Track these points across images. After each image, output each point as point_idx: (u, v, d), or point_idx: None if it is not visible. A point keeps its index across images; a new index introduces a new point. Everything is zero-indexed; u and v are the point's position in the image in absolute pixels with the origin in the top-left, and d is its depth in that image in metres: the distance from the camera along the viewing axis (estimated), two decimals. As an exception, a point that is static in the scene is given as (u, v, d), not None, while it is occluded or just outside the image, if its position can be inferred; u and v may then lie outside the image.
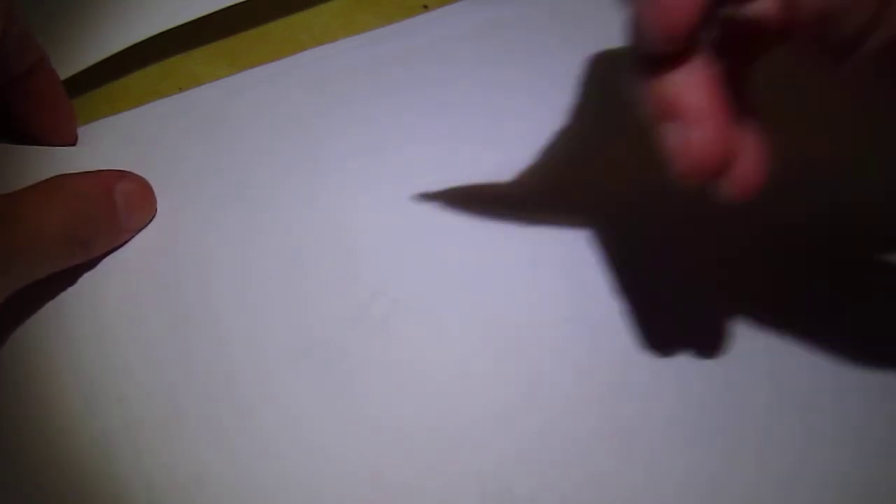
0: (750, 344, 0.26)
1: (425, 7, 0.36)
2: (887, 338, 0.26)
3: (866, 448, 0.24)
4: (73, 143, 0.32)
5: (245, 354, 0.26)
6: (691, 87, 0.20)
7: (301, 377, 0.26)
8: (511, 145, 0.30)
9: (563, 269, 0.28)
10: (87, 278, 0.28)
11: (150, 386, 0.25)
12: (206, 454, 0.24)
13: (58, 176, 0.27)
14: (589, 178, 0.30)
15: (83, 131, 0.32)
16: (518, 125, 0.31)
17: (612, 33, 0.33)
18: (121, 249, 0.29)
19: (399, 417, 0.25)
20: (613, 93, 0.30)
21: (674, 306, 0.27)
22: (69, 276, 0.28)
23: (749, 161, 0.21)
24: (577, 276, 0.28)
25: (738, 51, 0.22)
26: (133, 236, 0.29)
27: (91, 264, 0.28)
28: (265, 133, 0.32)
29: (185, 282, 0.28)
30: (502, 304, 0.27)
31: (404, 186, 0.30)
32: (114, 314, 0.27)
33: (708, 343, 0.26)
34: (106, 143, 0.31)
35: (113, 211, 0.28)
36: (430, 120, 0.32)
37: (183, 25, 0.33)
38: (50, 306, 0.28)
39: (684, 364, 0.26)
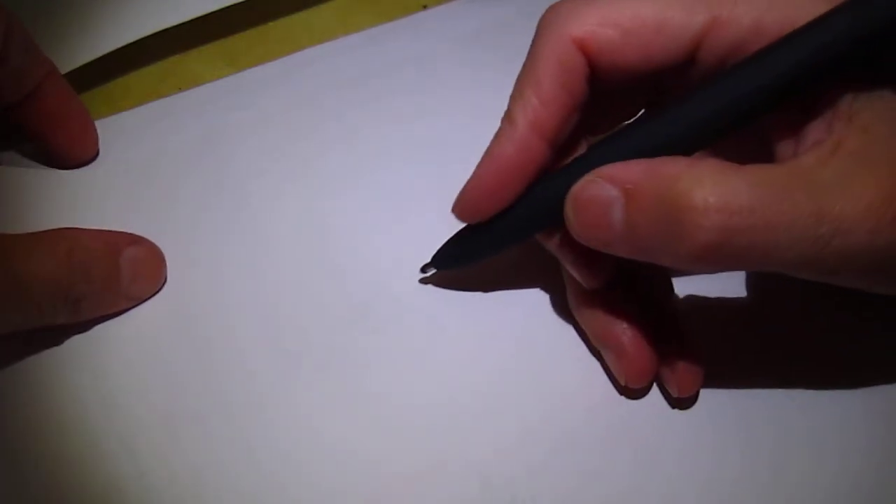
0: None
1: (424, 6, 0.36)
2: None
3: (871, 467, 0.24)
4: (94, 157, 0.31)
5: (246, 355, 0.26)
6: (614, 324, 0.25)
7: (302, 378, 0.26)
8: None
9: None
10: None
11: (150, 387, 0.25)
12: (206, 455, 0.24)
13: (66, 228, 0.26)
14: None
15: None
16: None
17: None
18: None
19: (400, 417, 0.25)
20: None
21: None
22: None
23: (681, 370, 0.25)
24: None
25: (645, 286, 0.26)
26: (133, 306, 0.27)
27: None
28: (265, 133, 0.32)
29: (184, 282, 0.28)
30: (504, 303, 0.28)
31: (404, 186, 0.30)
32: (116, 316, 0.27)
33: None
34: (106, 143, 0.31)
35: (115, 275, 0.26)
36: (430, 120, 0.32)
37: (183, 25, 0.33)
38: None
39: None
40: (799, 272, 0.21)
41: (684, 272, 0.27)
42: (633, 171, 0.21)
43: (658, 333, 0.25)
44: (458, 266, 0.27)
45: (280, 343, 0.26)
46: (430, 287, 0.28)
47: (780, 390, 0.26)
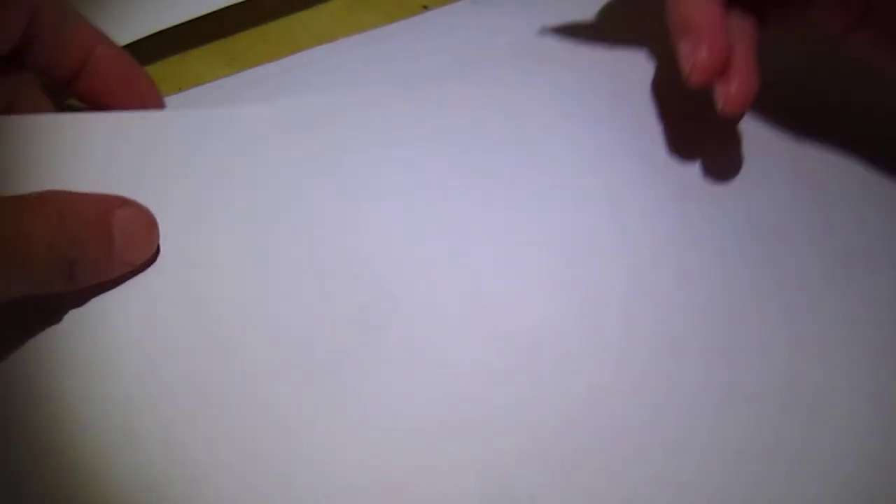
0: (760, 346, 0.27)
1: (425, 7, 0.36)
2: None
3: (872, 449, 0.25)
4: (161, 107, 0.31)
5: (246, 356, 0.26)
6: (702, 11, 0.26)
7: (302, 378, 0.26)
8: (510, 145, 0.30)
9: (564, 270, 0.28)
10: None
11: (148, 388, 0.25)
12: (206, 456, 0.24)
13: (53, 190, 0.25)
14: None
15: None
16: (517, 125, 0.31)
17: (610, 34, 0.33)
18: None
19: (400, 418, 0.25)
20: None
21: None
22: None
23: (741, 81, 0.26)
24: (578, 276, 0.28)
25: None
26: (127, 273, 0.26)
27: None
28: (264, 133, 0.32)
29: (183, 283, 0.28)
30: (504, 304, 0.28)
31: (405, 186, 0.30)
32: (112, 316, 0.27)
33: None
34: (106, 143, 0.31)
35: (108, 238, 0.25)
36: (430, 120, 0.32)
37: (183, 25, 0.33)
38: (48, 307, 0.27)
39: (688, 363, 0.26)
40: None
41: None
42: None
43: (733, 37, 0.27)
44: None
45: (280, 343, 0.26)
46: (431, 288, 0.28)
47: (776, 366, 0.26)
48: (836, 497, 0.24)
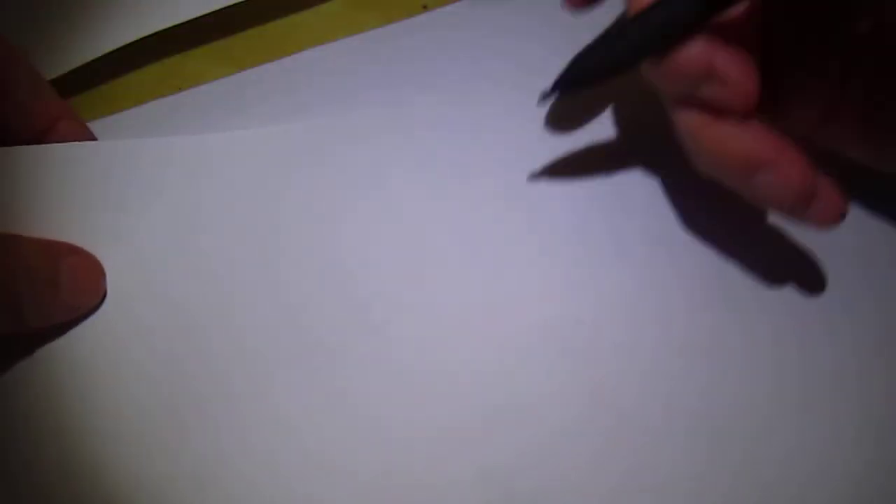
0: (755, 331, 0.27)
1: (425, 7, 0.36)
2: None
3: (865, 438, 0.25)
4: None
5: (245, 358, 0.26)
6: (768, 138, 0.23)
7: (301, 380, 0.26)
8: (510, 144, 0.30)
9: (562, 270, 0.28)
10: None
11: (148, 390, 0.25)
12: (206, 458, 0.24)
13: (4, 233, 0.26)
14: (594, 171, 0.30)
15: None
16: (517, 125, 0.31)
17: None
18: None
19: (398, 419, 0.25)
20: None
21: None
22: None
23: (828, 194, 0.23)
24: (577, 276, 0.28)
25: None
26: (78, 316, 0.27)
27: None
28: (264, 132, 0.32)
29: (182, 286, 0.28)
30: (501, 305, 0.28)
31: (404, 186, 0.30)
32: (112, 318, 0.27)
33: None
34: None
35: (55, 280, 0.26)
36: (430, 120, 0.32)
37: (183, 25, 0.33)
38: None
39: (687, 363, 0.26)
40: None
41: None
42: None
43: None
44: (580, 89, 0.25)
45: (280, 344, 0.26)
46: (429, 289, 0.28)
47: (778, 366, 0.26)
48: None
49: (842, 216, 0.24)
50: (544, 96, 0.26)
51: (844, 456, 0.25)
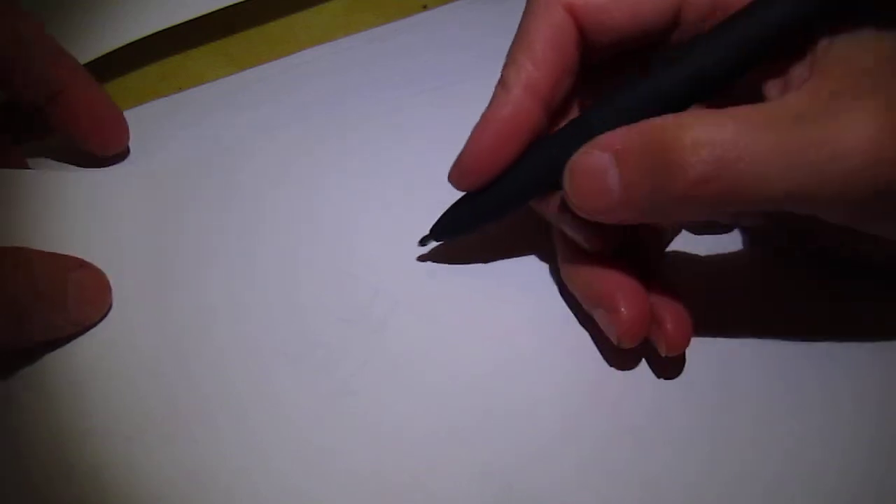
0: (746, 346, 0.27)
1: (425, 7, 0.36)
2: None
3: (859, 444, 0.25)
4: (126, 150, 0.31)
5: (245, 357, 0.26)
6: (607, 281, 0.25)
7: (302, 379, 0.26)
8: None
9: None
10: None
11: (148, 390, 0.25)
12: (206, 458, 0.24)
13: (15, 247, 0.26)
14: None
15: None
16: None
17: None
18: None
19: (399, 418, 0.25)
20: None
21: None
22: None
23: (670, 328, 0.24)
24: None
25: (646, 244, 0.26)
26: (80, 331, 0.26)
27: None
28: (264, 133, 0.32)
29: (182, 284, 0.28)
30: (502, 304, 0.28)
31: (404, 186, 0.30)
32: (114, 318, 0.27)
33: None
34: None
35: (62, 294, 0.25)
36: (430, 119, 0.32)
37: (183, 25, 0.33)
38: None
39: (689, 364, 0.26)
40: (794, 205, 0.21)
41: (680, 230, 0.28)
42: (620, 133, 0.22)
43: (648, 293, 0.25)
44: (456, 236, 0.27)
45: (280, 344, 0.26)
46: (430, 288, 0.28)
47: (770, 365, 0.26)
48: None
49: (679, 348, 0.25)
50: (423, 242, 0.28)
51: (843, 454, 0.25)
